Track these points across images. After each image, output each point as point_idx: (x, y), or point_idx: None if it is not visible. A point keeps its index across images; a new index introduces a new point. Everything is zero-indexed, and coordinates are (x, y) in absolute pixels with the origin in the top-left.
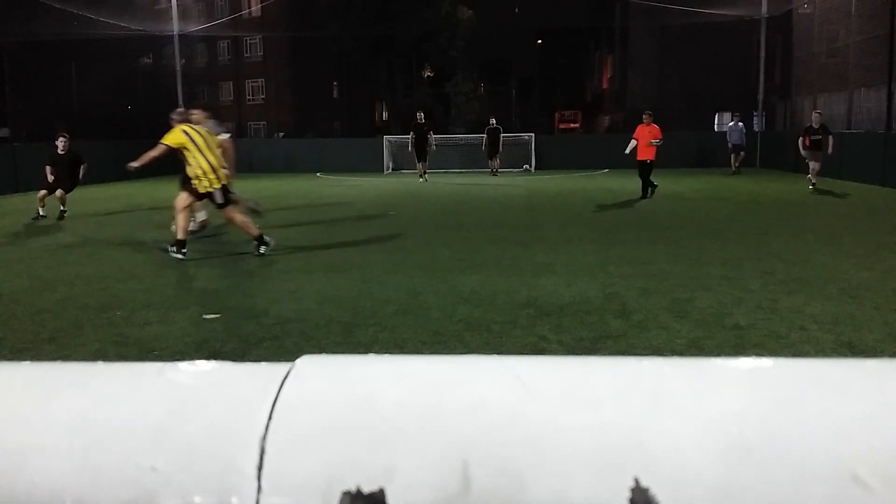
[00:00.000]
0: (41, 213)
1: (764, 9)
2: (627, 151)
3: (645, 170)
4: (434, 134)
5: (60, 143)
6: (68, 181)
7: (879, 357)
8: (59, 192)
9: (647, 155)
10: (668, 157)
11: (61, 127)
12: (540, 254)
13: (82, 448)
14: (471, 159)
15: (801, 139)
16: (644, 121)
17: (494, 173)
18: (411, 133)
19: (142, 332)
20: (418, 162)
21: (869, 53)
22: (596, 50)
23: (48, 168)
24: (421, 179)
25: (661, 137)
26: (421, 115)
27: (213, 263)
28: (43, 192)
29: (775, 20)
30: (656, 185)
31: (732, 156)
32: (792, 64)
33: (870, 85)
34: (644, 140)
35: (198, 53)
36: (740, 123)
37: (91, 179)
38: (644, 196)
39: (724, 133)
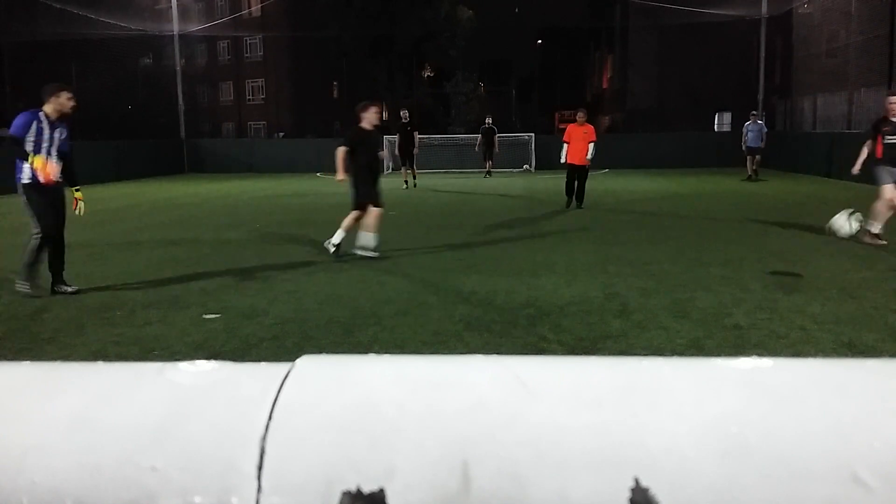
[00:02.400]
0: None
1: (764, 9)
2: (564, 160)
3: (580, 175)
4: (434, 134)
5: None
6: (409, 151)
7: (879, 357)
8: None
9: (580, 159)
10: (669, 158)
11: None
12: (540, 254)
13: (82, 447)
14: (470, 159)
15: (870, 142)
16: (577, 120)
17: (488, 174)
18: (396, 134)
19: (142, 332)
20: (402, 166)
21: (869, 53)
22: (596, 50)
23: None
24: (404, 186)
25: (595, 139)
26: (405, 114)
27: (213, 264)
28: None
29: (775, 20)
30: (581, 201)
31: (748, 159)
32: (792, 64)
33: (870, 85)
34: (578, 143)
35: (198, 53)
36: (759, 122)
37: (91, 179)
38: (571, 204)
39: (726, 133)
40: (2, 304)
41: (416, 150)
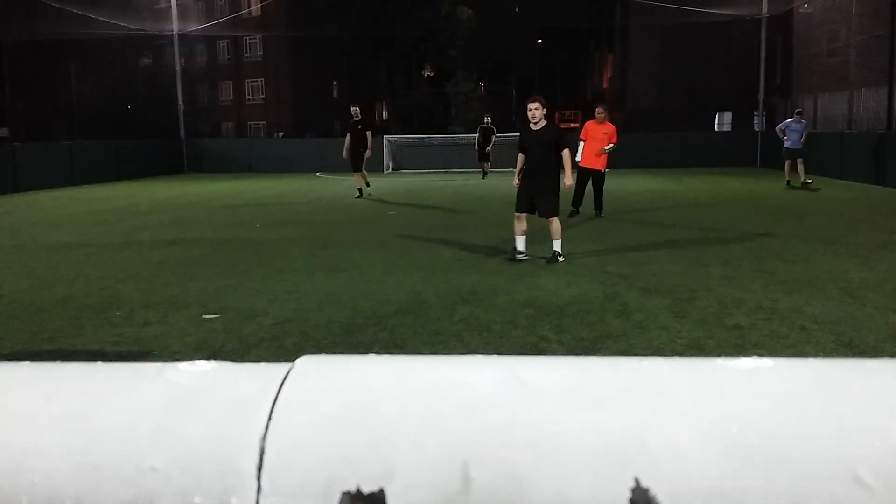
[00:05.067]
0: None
1: (764, 8)
2: (579, 158)
3: (595, 180)
4: (434, 133)
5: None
6: (359, 153)
7: (879, 357)
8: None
9: (596, 162)
10: (669, 158)
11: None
12: (539, 253)
13: (82, 448)
14: (469, 159)
15: None
16: (596, 117)
17: (485, 175)
18: (347, 134)
19: (141, 332)
20: (354, 171)
21: (870, 53)
22: (596, 49)
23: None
24: (357, 195)
25: (615, 141)
26: (356, 111)
27: (212, 264)
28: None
29: (776, 19)
30: (601, 208)
31: (787, 163)
32: (792, 63)
33: (870, 84)
34: (594, 142)
35: (197, 53)
36: (803, 121)
37: (90, 179)
38: (575, 214)
39: (726, 132)
40: (1, 303)
41: (366, 153)
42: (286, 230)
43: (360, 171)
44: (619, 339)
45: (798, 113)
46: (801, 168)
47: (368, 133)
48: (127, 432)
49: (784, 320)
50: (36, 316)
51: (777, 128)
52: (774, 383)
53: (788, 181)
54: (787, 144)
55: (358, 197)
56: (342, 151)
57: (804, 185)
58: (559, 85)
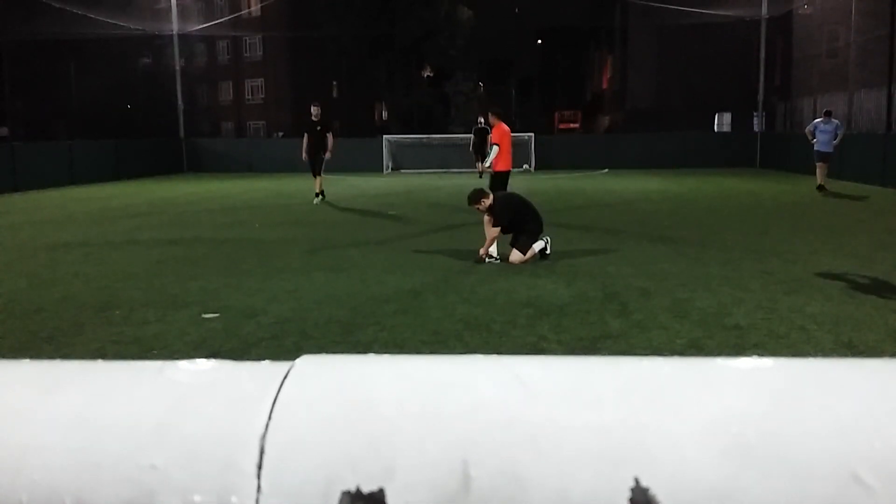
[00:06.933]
0: (319, 195)
1: (764, 9)
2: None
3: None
4: (434, 133)
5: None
6: (319, 155)
7: (879, 357)
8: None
9: (502, 164)
10: (669, 158)
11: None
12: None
13: (82, 446)
14: (468, 159)
15: None
16: (490, 121)
17: (481, 175)
18: (304, 134)
19: (141, 332)
20: (314, 175)
21: (869, 53)
22: (596, 50)
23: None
24: (316, 200)
25: (494, 140)
26: (317, 111)
27: (212, 263)
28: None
29: (775, 20)
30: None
31: (819, 166)
32: (792, 64)
33: (870, 85)
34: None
35: (197, 53)
36: (834, 121)
37: (89, 178)
38: None
39: (726, 133)
40: (0, 302)
41: (327, 155)
42: (286, 230)
43: (318, 174)
44: (618, 339)
45: (827, 113)
46: (820, 171)
47: (329, 135)
48: (127, 430)
49: (784, 320)
50: (35, 315)
51: (806, 129)
52: (774, 383)
53: (821, 185)
54: (816, 147)
55: (322, 201)
56: (301, 153)
57: (819, 188)
58: (559, 85)
